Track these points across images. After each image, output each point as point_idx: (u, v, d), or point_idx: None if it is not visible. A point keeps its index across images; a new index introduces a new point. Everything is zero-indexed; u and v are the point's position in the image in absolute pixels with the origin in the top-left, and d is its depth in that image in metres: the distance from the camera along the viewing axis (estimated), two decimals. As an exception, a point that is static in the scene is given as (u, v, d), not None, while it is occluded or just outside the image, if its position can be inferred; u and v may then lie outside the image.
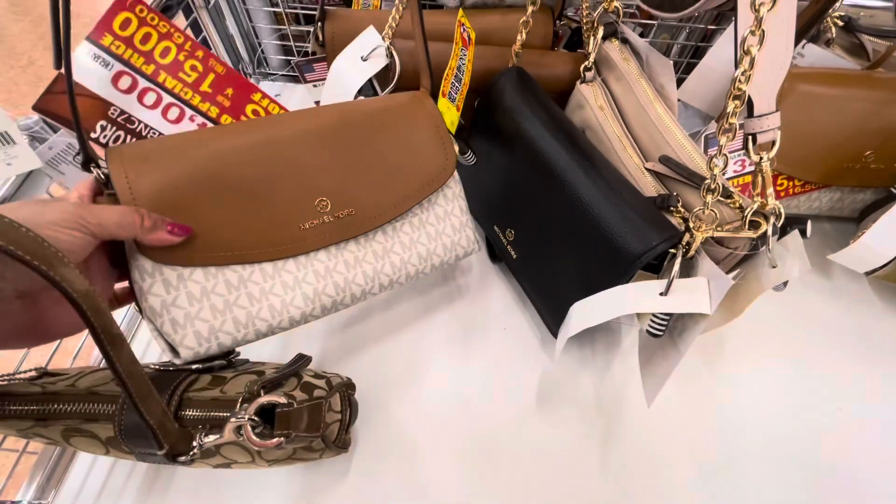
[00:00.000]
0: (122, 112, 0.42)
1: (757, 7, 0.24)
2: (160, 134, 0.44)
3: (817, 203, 0.54)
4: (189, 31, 0.58)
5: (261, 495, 0.39)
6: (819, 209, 0.55)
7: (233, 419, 0.28)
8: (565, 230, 0.41)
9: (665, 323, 0.34)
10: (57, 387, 0.30)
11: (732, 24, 0.53)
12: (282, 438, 0.29)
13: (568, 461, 0.41)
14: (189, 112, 0.44)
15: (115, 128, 0.42)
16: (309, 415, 0.31)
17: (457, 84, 0.45)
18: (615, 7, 0.47)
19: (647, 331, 0.35)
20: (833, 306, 0.52)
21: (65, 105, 0.37)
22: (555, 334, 0.46)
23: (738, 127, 0.30)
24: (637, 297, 0.33)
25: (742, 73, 0.26)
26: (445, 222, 0.44)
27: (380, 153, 0.40)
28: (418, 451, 0.42)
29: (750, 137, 0.34)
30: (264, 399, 0.29)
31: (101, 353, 0.23)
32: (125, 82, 0.41)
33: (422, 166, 0.42)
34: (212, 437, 0.29)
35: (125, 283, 0.33)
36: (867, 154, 0.49)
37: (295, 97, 0.68)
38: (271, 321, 0.36)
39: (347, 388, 0.38)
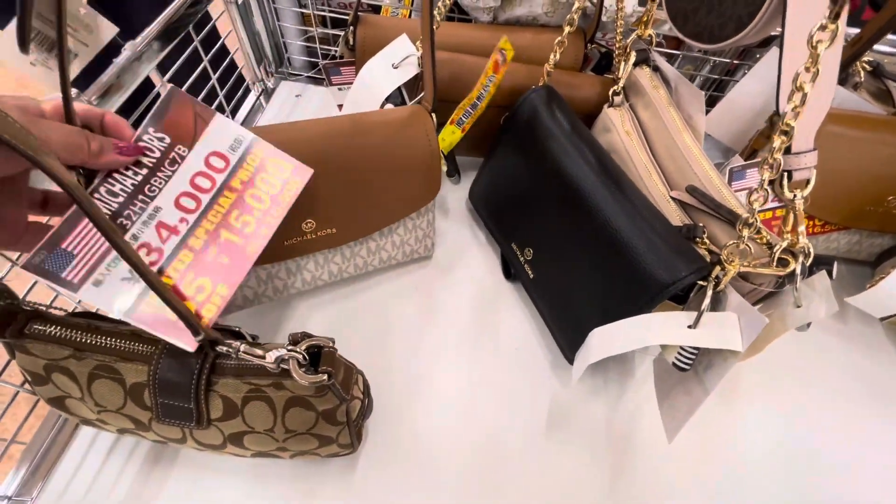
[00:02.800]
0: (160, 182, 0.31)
1: (814, 44, 0.24)
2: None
3: (835, 244, 0.54)
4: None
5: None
6: (837, 250, 0.54)
7: (280, 350, 0.28)
8: (588, 253, 0.41)
9: (693, 357, 0.33)
10: (101, 324, 0.31)
11: (760, 60, 0.53)
12: (325, 376, 0.29)
13: (575, 489, 0.40)
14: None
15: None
16: (344, 371, 0.32)
17: (470, 111, 0.45)
18: (648, 35, 0.47)
19: (674, 363, 0.34)
20: (847, 349, 0.52)
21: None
22: (568, 358, 0.45)
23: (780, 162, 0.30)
24: (663, 328, 0.33)
25: (792, 109, 0.26)
26: (411, 234, 0.48)
27: (369, 175, 0.41)
28: (423, 463, 0.41)
29: (785, 174, 0.34)
30: (313, 341, 0.30)
31: (106, 238, 0.23)
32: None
33: (407, 191, 0.44)
34: (253, 351, 0.28)
35: (41, 219, 0.30)
36: (889, 199, 0.48)
37: (315, 98, 0.68)
38: (242, 305, 0.43)
39: (365, 381, 0.38)
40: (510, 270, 0.51)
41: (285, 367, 0.29)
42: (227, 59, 0.60)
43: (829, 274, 0.36)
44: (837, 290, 0.54)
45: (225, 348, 0.29)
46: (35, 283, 0.37)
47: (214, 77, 0.56)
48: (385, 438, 0.41)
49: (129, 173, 0.30)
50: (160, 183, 0.31)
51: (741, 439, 0.44)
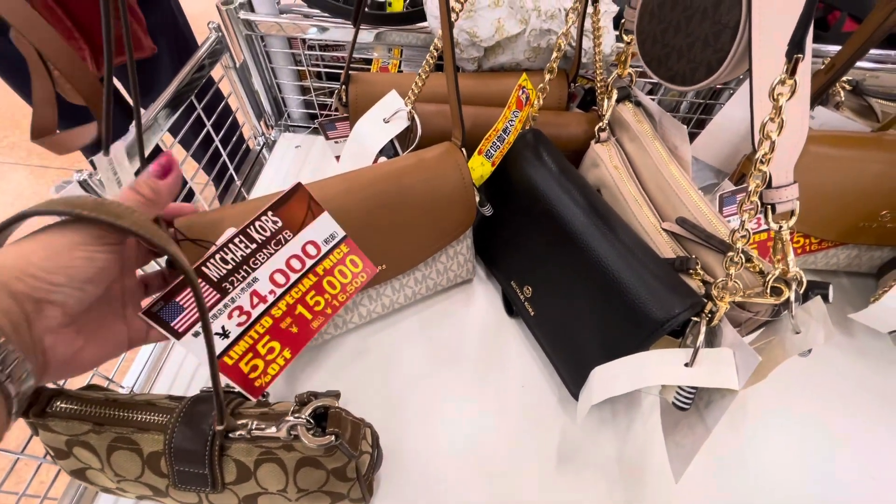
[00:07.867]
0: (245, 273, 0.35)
1: (775, 97, 0.25)
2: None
3: (834, 259, 0.54)
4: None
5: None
6: (837, 265, 0.55)
7: (288, 417, 0.30)
8: (583, 292, 0.42)
9: (692, 396, 0.33)
10: (117, 396, 0.33)
11: (744, 82, 0.54)
12: (332, 437, 0.30)
13: (590, 530, 0.40)
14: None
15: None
16: (352, 429, 0.33)
17: (498, 143, 0.47)
18: (628, 73, 0.49)
19: (674, 403, 0.34)
20: (856, 365, 0.51)
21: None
22: (573, 394, 0.45)
23: (759, 200, 0.31)
24: (661, 367, 0.33)
25: (763, 156, 0.27)
26: (453, 260, 0.51)
27: (412, 212, 0.44)
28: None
29: (769, 207, 0.35)
30: (319, 402, 0.31)
31: (201, 317, 0.26)
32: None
33: (446, 221, 0.46)
34: (264, 426, 0.31)
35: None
36: (883, 213, 0.49)
37: (315, 148, 0.70)
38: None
39: (374, 432, 0.39)
40: (512, 308, 0.52)
41: (294, 433, 0.30)
42: (231, 118, 0.63)
43: (825, 298, 0.36)
44: (842, 304, 0.54)
45: (238, 432, 0.30)
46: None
47: (217, 138, 0.59)
48: (396, 487, 0.42)
49: (242, 245, 0.34)
50: (263, 258, 0.35)
51: (753, 461, 0.44)
